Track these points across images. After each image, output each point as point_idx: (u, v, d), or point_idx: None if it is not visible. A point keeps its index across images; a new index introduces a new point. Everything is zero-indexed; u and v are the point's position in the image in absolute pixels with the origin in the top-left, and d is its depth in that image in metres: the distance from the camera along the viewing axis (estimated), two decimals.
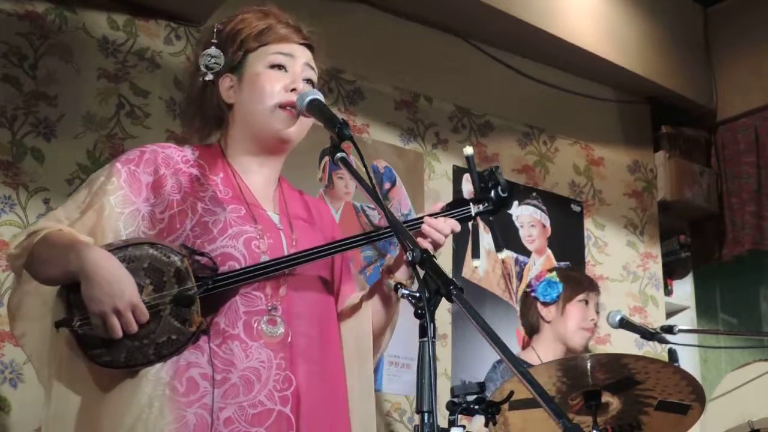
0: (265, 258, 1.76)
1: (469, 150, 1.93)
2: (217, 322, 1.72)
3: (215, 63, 1.90)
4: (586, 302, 3.17)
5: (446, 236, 1.88)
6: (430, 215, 1.90)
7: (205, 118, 1.94)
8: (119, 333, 1.65)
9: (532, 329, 3.26)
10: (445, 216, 1.90)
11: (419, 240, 1.85)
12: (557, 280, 3.19)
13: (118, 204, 1.78)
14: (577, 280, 3.24)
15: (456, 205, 1.94)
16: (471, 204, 1.94)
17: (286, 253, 1.79)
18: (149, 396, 1.67)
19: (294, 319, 1.77)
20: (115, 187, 1.79)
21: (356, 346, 1.91)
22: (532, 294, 3.23)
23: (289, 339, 1.75)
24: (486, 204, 1.95)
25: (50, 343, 1.76)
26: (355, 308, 1.94)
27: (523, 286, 4.10)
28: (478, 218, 1.97)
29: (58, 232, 1.77)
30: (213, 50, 1.90)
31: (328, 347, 1.84)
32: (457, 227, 1.90)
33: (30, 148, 3.07)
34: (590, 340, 3.23)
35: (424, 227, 1.86)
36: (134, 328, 1.66)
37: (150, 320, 1.68)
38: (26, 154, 3.06)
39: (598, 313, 3.22)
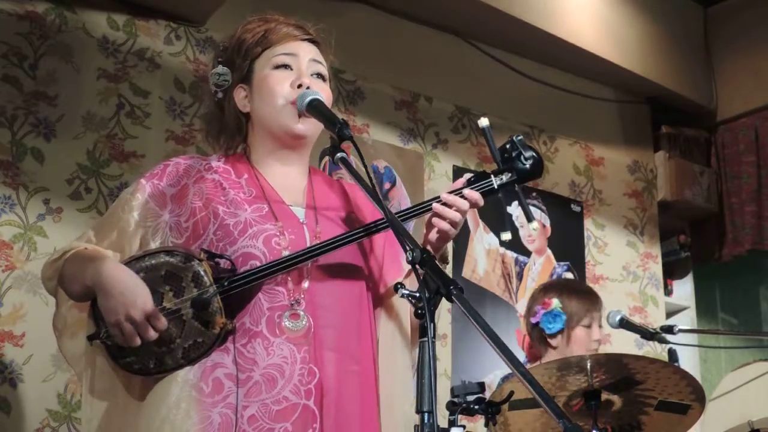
0: (286, 254, 1.77)
1: (484, 121, 1.85)
2: (244, 322, 1.74)
3: (224, 80, 1.93)
4: (590, 326, 3.15)
5: (465, 212, 1.81)
6: (452, 192, 1.84)
7: (228, 134, 1.97)
8: (136, 341, 1.70)
9: (538, 351, 3.25)
10: (467, 189, 1.83)
11: (435, 221, 1.81)
12: (560, 310, 3.17)
13: (143, 218, 1.85)
14: (580, 304, 3.20)
15: (477, 179, 1.86)
16: (492, 176, 1.85)
17: (304, 248, 1.79)
18: (177, 397, 1.70)
19: (319, 310, 1.78)
20: (140, 202, 1.86)
21: (394, 334, 1.90)
22: (535, 323, 3.21)
23: (312, 332, 1.75)
24: (510, 174, 1.85)
25: (85, 356, 1.83)
26: (394, 294, 1.91)
27: (523, 286, 4.10)
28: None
29: (84, 250, 1.83)
30: (220, 68, 1.94)
31: (361, 337, 1.84)
32: (480, 201, 1.83)
33: (30, 148, 3.06)
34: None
35: (436, 206, 1.81)
36: (151, 335, 1.70)
37: (174, 325, 1.72)
38: (26, 154, 3.06)
39: (601, 326, 3.19)
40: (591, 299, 3.23)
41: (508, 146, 1.86)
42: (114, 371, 1.78)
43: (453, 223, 1.81)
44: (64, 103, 3.15)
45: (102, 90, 3.25)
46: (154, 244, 1.82)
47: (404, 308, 1.92)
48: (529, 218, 1.84)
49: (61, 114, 3.14)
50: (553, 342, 3.19)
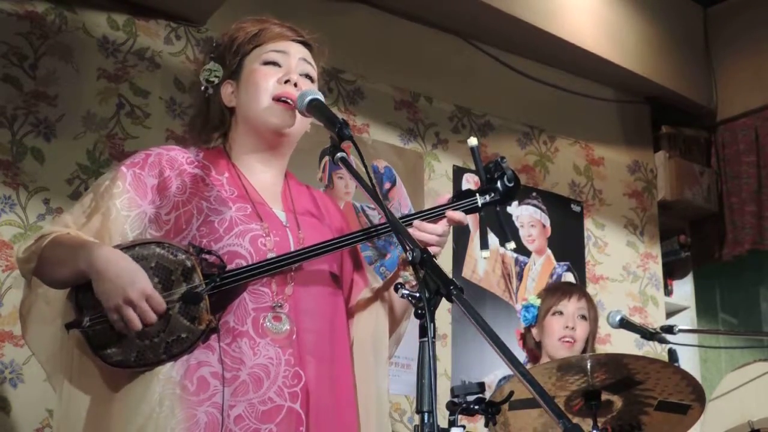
0: (271, 255, 1.77)
1: (473, 141, 1.92)
2: (227, 321, 1.73)
3: (214, 76, 1.94)
4: (561, 312, 3.17)
5: (440, 235, 1.86)
6: (437, 207, 1.89)
7: (211, 128, 1.97)
8: (137, 324, 1.66)
9: (535, 353, 3.29)
10: (451, 207, 1.89)
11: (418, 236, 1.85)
12: (534, 303, 3.26)
13: (124, 207, 1.81)
14: (551, 293, 3.25)
15: (462, 197, 1.92)
16: (477, 195, 1.92)
17: (292, 250, 1.80)
18: (160, 395, 1.67)
19: (302, 315, 1.78)
20: (121, 190, 1.82)
21: (372, 341, 1.91)
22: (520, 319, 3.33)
23: (294, 335, 1.75)
24: (492, 194, 1.93)
25: (61, 345, 1.78)
26: (370, 302, 1.95)
27: (523, 286, 4.11)
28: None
29: (67, 235, 1.79)
30: (211, 64, 1.94)
31: (337, 343, 1.84)
32: (465, 220, 1.89)
33: (30, 148, 3.07)
34: (581, 347, 3.20)
35: (413, 231, 1.84)
36: (151, 317, 1.67)
37: (159, 319, 1.69)
38: (26, 154, 3.06)
39: (584, 317, 3.18)
40: (565, 289, 3.27)
41: (492, 166, 1.95)
42: (93, 362, 1.73)
43: (427, 245, 1.84)
44: (64, 103, 3.15)
45: (102, 90, 3.25)
46: (132, 235, 1.79)
47: (381, 310, 1.94)
48: (507, 239, 1.92)
49: (61, 114, 3.14)
50: (534, 334, 3.25)
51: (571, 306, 3.17)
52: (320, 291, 1.84)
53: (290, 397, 1.71)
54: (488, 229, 1.92)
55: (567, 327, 3.14)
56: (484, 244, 1.91)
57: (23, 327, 1.84)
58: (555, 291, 3.27)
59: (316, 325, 1.80)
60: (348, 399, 1.83)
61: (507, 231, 1.90)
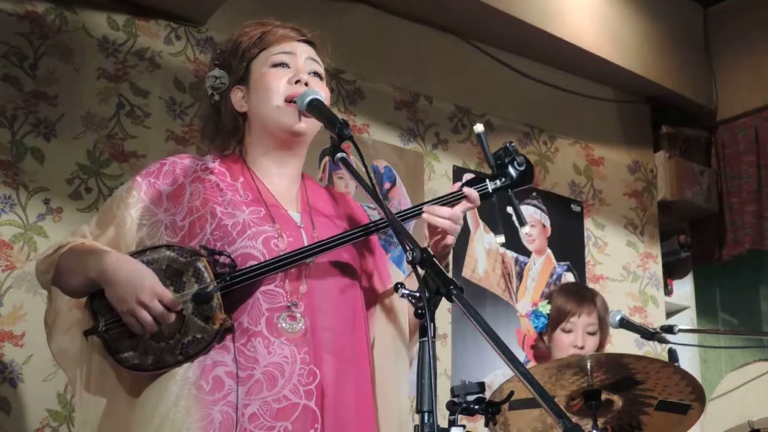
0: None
1: (479, 127, 1.92)
2: (241, 321, 1.75)
3: (220, 83, 1.95)
4: (570, 330, 3.13)
5: (449, 219, 1.85)
6: (448, 195, 1.90)
7: (224, 135, 1.98)
8: (153, 325, 1.69)
9: (545, 354, 3.26)
10: (461, 194, 1.89)
11: (431, 231, 1.87)
12: (543, 310, 3.22)
13: (138, 216, 1.85)
14: (561, 305, 3.18)
15: (472, 183, 1.93)
16: (487, 180, 1.93)
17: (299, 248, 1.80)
18: (176, 395, 1.69)
19: (317, 313, 1.79)
20: (136, 200, 1.85)
21: (393, 339, 1.92)
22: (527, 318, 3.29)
23: (309, 334, 1.76)
24: (504, 179, 1.93)
25: (80, 352, 1.82)
26: (392, 299, 1.95)
27: (523, 286, 4.11)
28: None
29: (81, 245, 1.83)
30: (216, 71, 1.96)
31: (355, 339, 1.85)
32: (477, 200, 1.90)
33: (30, 148, 3.06)
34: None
35: (425, 215, 1.86)
36: (167, 317, 1.70)
37: (174, 321, 1.72)
38: (26, 154, 3.06)
39: (593, 333, 3.14)
40: (574, 302, 3.17)
41: (501, 152, 1.94)
42: (111, 367, 1.77)
43: (445, 232, 1.86)
44: (64, 103, 3.15)
45: (102, 90, 3.25)
46: (148, 242, 1.82)
47: (401, 308, 1.94)
48: (522, 222, 1.90)
49: (61, 114, 3.14)
50: (545, 340, 3.22)
51: (581, 323, 3.11)
52: (336, 287, 1.84)
53: (305, 394, 1.71)
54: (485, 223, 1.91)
55: (575, 346, 3.11)
56: (498, 230, 1.91)
57: (48, 337, 1.88)
58: (564, 303, 3.18)
59: (332, 322, 1.80)
60: (367, 397, 1.83)
61: (522, 215, 1.91)
